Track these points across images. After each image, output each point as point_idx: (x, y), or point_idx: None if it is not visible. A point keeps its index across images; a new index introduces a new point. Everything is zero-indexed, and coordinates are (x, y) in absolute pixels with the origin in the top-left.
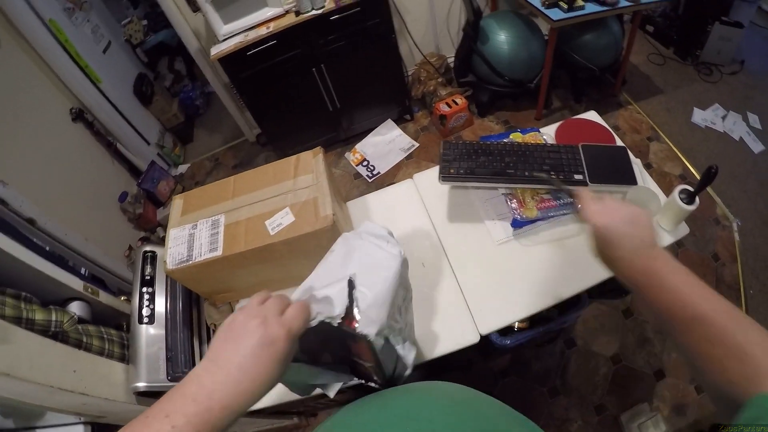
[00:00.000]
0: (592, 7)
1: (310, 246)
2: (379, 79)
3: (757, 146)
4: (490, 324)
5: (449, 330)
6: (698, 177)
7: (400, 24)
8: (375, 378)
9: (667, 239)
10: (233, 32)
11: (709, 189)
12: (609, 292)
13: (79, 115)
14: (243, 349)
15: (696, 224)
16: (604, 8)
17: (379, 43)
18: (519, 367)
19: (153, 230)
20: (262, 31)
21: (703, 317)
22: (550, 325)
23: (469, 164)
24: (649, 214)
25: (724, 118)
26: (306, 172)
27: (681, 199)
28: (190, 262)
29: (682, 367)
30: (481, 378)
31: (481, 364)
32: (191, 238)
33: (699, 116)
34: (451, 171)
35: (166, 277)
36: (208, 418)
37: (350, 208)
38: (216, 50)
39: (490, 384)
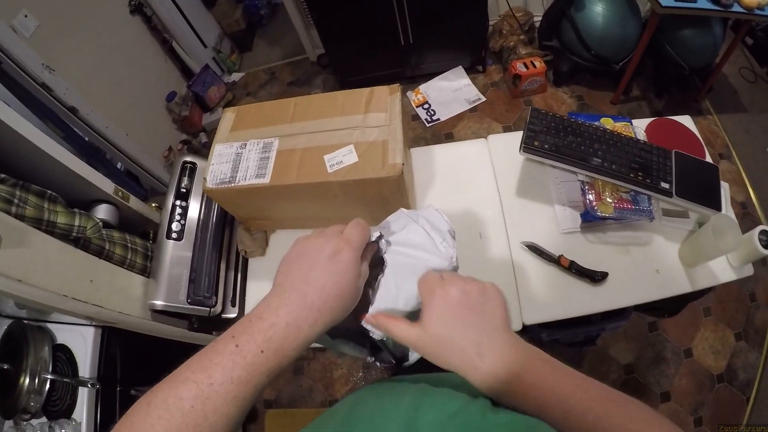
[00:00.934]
0: (704, 3)
1: (369, 193)
2: (459, 22)
3: None
4: (536, 315)
5: None
6: (759, 210)
7: None
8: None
9: (730, 275)
10: None
11: None
12: (653, 310)
13: (138, 7)
14: (308, 263)
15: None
16: (716, 8)
17: None
18: None
19: (196, 134)
20: None
21: (587, 411)
22: (591, 328)
23: (555, 140)
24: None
25: None
26: (379, 109)
27: (760, 241)
28: (233, 185)
29: (688, 396)
30: None
31: None
32: (238, 157)
33: None
34: (536, 143)
35: (203, 193)
36: (272, 334)
37: (414, 156)
38: None
39: None
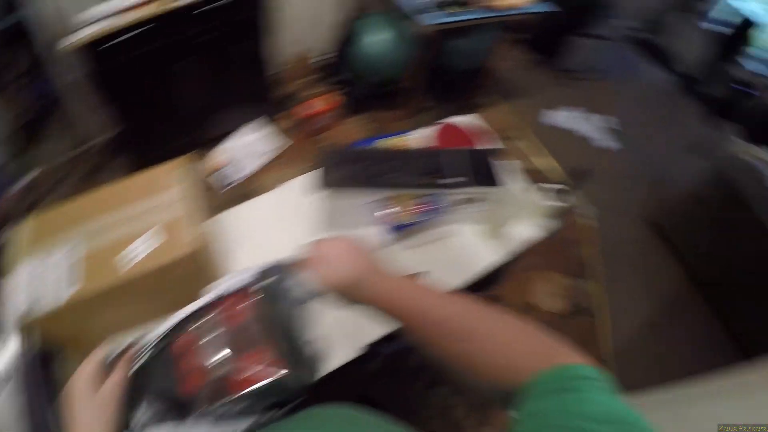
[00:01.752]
0: (463, 15)
1: (176, 274)
2: (246, 78)
3: (612, 144)
4: (376, 332)
5: (337, 344)
6: (563, 173)
7: (274, 19)
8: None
9: (538, 233)
10: (90, 20)
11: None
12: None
13: None
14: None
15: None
16: (479, 16)
17: (248, 39)
18: (394, 366)
19: None
20: (126, 19)
21: (447, 319)
22: None
23: (347, 170)
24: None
25: (584, 119)
26: (169, 187)
27: (552, 198)
28: (45, 305)
29: None
30: (357, 382)
31: (355, 368)
32: (44, 272)
33: (561, 118)
34: (330, 177)
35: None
36: None
37: (216, 224)
38: (72, 39)
39: (365, 387)
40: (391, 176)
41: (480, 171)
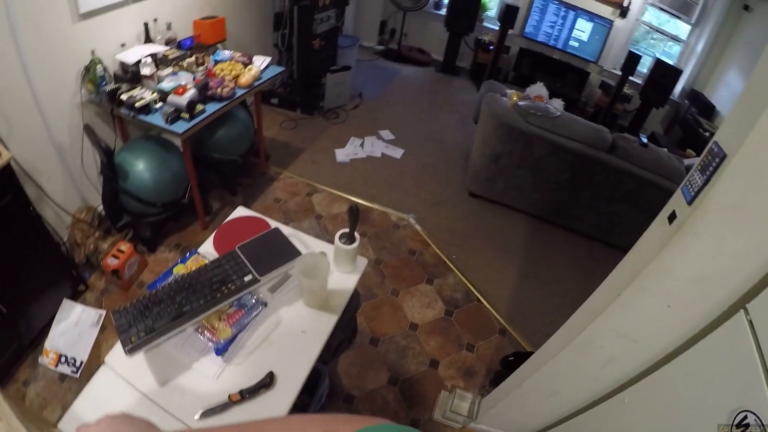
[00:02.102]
0: (211, 107)
1: None
2: (36, 261)
3: (398, 152)
4: None
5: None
6: (366, 203)
7: (37, 190)
8: None
9: (353, 279)
10: None
11: (377, 206)
12: (338, 348)
13: None
14: None
15: (382, 240)
16: (223, 103)
17: (20, 221)
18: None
19: None
20: None
21: None
22: (309, 408)
23: (146, 323)
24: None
25: (362, 145)
26: None
27: (343, 243)
28: None
29: (445, 345)
30: None
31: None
32: None
33: (342, 154)
34: (132, 339)
35: None
36: None
37: (65, 427)
38: None
39: None
40: (185, 308)
41: (268, 255)
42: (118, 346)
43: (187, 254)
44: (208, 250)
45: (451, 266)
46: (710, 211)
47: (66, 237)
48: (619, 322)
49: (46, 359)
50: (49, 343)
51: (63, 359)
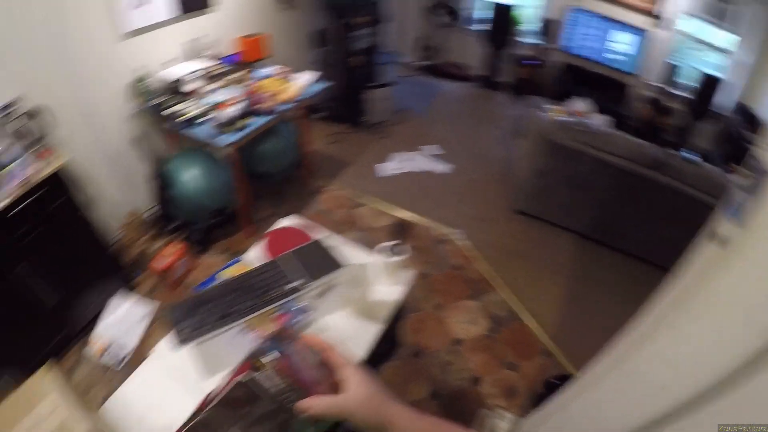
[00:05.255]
0: (255, 122)
1: None
2: (88, 258)
3: (445, 168)
4: None
5: None
6: (412, 216)
7: (92, 193)
8: None
9: (399, 291)
10: None
11: (422, 220)
12: (381, 359)
13: None
14: None
15: (427, 254)
16: (267, 118)
17: (73, 221)
18: None
19: None
20: None
21: None
22: None
23: (197, 319)
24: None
25: (409, 160)
26: (44, 396)
27: (391, 255)
28: None
29: (489, 363)
30: None
31: None
32: None
33: (388, 168)
34: (186, 331)
35: None
36: None
37: (110, 410)
38: None
39: None
40: (237, 307)
41: (316, 263)
42: (167, 338)
43: (231, 261)
44: (255, 256)
45: (496, 283)
46: (760, 234)
47: (118, 238)
48: (665, 349)
49: (92, 350)
50: (97, 334)
51: (108, 351)
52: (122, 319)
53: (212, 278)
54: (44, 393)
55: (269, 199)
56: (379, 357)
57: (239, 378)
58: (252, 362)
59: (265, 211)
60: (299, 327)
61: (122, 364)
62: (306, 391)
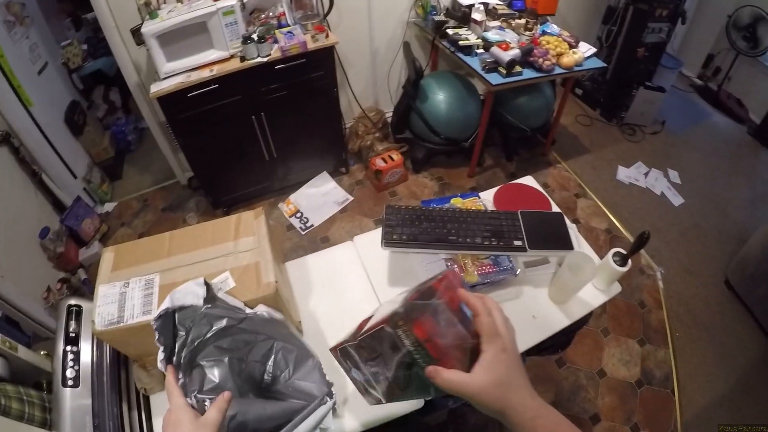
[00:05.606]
0: (529, 73)
1: None
2: (318, 131)
3: (677, 200)
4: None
5: None
6: (624, 231)
7: (342, 78)
8: None
9: (601, 298)
10: (175, 71)
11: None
12: (545, 350)
13: (6, 138)
14: None
15: (622, 277)
16: (540, 74)
17: (320, 95)
18: (456, 421)
19: (74, 271)
20: (205, 73)
21: None
22: None
23: (411, 230)
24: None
25: (646, 174)
26: (247, 233)
27: (615, 262)
28: (121, 324)
29: (616, 410)
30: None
31: (418, 419)
32: (122, 297)
33: (623, 173)
34: (394, 237)
35: (93, 336)
36: None
37: (289, 269)
38: (156, 88)
39: None
40: (453, 237)
41: (544, 234)
42: (370, 235)
43: (468, 194)
44: (485, 198)
45: (669, 342)
46: None
47: (349, 125)
48: None
49: (286, 207)
50: (294, 198)
51: (298, 215)
52: (321, 195)
53: (444, 200)
54: (250, 231)
55: (501, 150)
56: (546, 348)
57: (386, 326)
58: (397, 316)
59: (492, 161)
60: (497, 283)
61: (305, 232)
62: (437, 360)
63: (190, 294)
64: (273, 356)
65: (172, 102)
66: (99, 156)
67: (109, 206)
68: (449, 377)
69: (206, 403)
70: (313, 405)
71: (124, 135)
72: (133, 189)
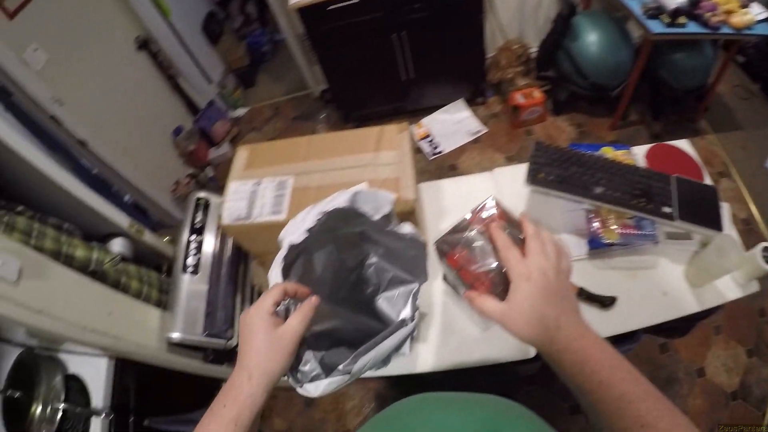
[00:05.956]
0: (693, 27)
1: None
2: (458, 56)
3: None
4: None
5: (504, 340)
6: (762, 226)
7: (489, 3)
8: None
9: (737, 293)
10: None
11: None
12: (663, 331)
13: (144, 44)
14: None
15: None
16: (706, 30)
17: (464, 19)
18: (545, 377)
19: (202, 168)
20: None
21: (636, 400)
22: None
23: (559, 172)
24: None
25: None
26: (389, 147)
27: (763, 257)
28: (249, 221)
29: (703, 416)
30: (507, 380)
31: (510, 366)
32: (253, 195)
33: None
34: (540, 175)
35: (218, 229)
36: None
37: (422, 191)
38: None
39: (514, 388)
40: (601, 189)
41: (696, 207)
42: (511, 169)
43: (620, 145)
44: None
45: None
46: None
47: (491, 55)
48: None
49: (417, 130)
50: (426, 121)
51: (429, 139)
52: (454, 123)
53: (594, 147)
54: (393, 145)
55: (648, 107)
56: (664, 329)
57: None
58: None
59: (637, 117)
60: (633, 248)
61: (432, 158)
62: (470, 286)
63: (371, 203)
64: (372, 267)
65: (311, 14)
66: (234, 64)
67: (241, 111)
68: (480, 303)
69: (291, 309)
70: (393, 326)
71: (259, 46)
72: (265, 97)
